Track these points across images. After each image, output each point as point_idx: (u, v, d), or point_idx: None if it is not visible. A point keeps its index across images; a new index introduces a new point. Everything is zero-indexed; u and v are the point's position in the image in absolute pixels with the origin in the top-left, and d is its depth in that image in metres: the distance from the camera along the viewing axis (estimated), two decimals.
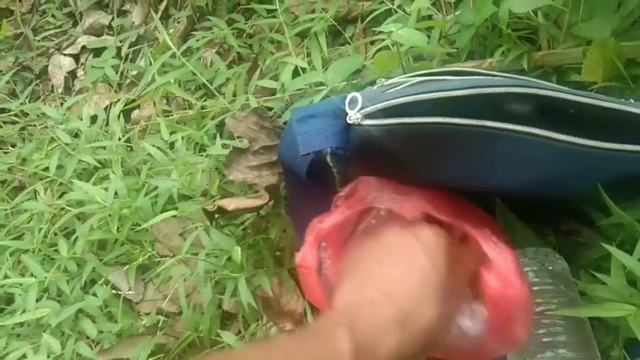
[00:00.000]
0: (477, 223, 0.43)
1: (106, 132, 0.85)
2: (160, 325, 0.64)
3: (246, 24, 0.85)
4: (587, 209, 0.47)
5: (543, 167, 0.42)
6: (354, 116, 0.42)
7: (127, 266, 0.68)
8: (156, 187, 0.68)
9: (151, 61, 0.82)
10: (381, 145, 0.42)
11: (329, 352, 0.30)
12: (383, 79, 0.50)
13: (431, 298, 0.35)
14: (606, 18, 0.47)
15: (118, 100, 0.87)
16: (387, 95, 0.43)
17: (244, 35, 0.86)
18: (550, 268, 0.48)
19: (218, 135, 0.71)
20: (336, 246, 0.47)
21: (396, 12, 0.68)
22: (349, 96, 0.43)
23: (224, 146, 0.67)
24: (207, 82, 0.77)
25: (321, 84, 0.66)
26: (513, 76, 0.47)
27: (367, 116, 0.42)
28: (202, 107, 0.77)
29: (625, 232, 0.44)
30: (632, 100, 0.42)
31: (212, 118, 0.74)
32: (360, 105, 0.42)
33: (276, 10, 0.79)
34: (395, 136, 0.42)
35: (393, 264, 0.38)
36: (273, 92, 0.73)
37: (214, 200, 0.61)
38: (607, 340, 0.45)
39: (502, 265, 0.38)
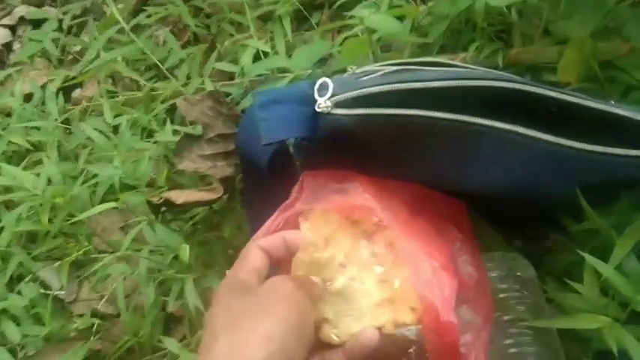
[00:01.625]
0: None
1: (43, 112, 0.77)
2: (94, 328, 0.58)
3: (204, 2, 0.80)
4: (557, 214, 0.46)
5: (520, 168, 0.40)
6: (323, 104, 0.39)
7: (60, 262, 0.61)
8: (95, 175, 0.62)
9: (96, 36, 0.75)
10: (351, 137, 0.39)
11: None
12: (354, 67, 0.46)
13: None
14: (587, 16, 0.45)
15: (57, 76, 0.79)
16: (360, 83, 0.39)
17: (202, 15, 0.80)
18: (518, 273, 0.47)
19: (168, 120, 0.66)
20: None
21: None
22: (319, 81, 0.40)
23: (175, 132, 0.62)
24: (158, 62, 0.72)
25: (285, 70, 0.62)
26: (493, 70, 0.44)
27: (338, 104, 0.39)
28: (152, 89, 0.72)
29: (598, 239, 0.43)
30: (612, 102, 0.40)
31: (162, 102, 0.69)
32: (330, 92, 0.39)
33: None
34: (368, 127, 0.39)
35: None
36: (231, 77, 0.69)
37: (161, 192, 0.56)
38: (575, 351, 0.44)
39: (436, 302, 0.36)
